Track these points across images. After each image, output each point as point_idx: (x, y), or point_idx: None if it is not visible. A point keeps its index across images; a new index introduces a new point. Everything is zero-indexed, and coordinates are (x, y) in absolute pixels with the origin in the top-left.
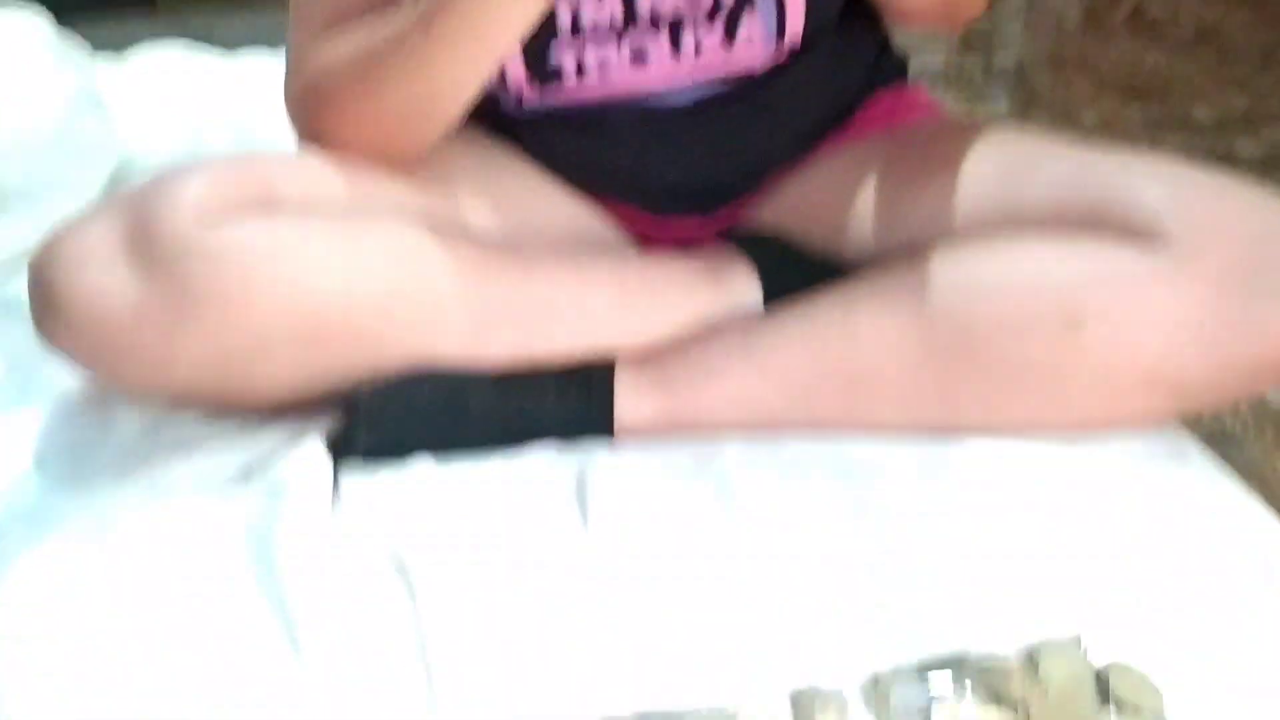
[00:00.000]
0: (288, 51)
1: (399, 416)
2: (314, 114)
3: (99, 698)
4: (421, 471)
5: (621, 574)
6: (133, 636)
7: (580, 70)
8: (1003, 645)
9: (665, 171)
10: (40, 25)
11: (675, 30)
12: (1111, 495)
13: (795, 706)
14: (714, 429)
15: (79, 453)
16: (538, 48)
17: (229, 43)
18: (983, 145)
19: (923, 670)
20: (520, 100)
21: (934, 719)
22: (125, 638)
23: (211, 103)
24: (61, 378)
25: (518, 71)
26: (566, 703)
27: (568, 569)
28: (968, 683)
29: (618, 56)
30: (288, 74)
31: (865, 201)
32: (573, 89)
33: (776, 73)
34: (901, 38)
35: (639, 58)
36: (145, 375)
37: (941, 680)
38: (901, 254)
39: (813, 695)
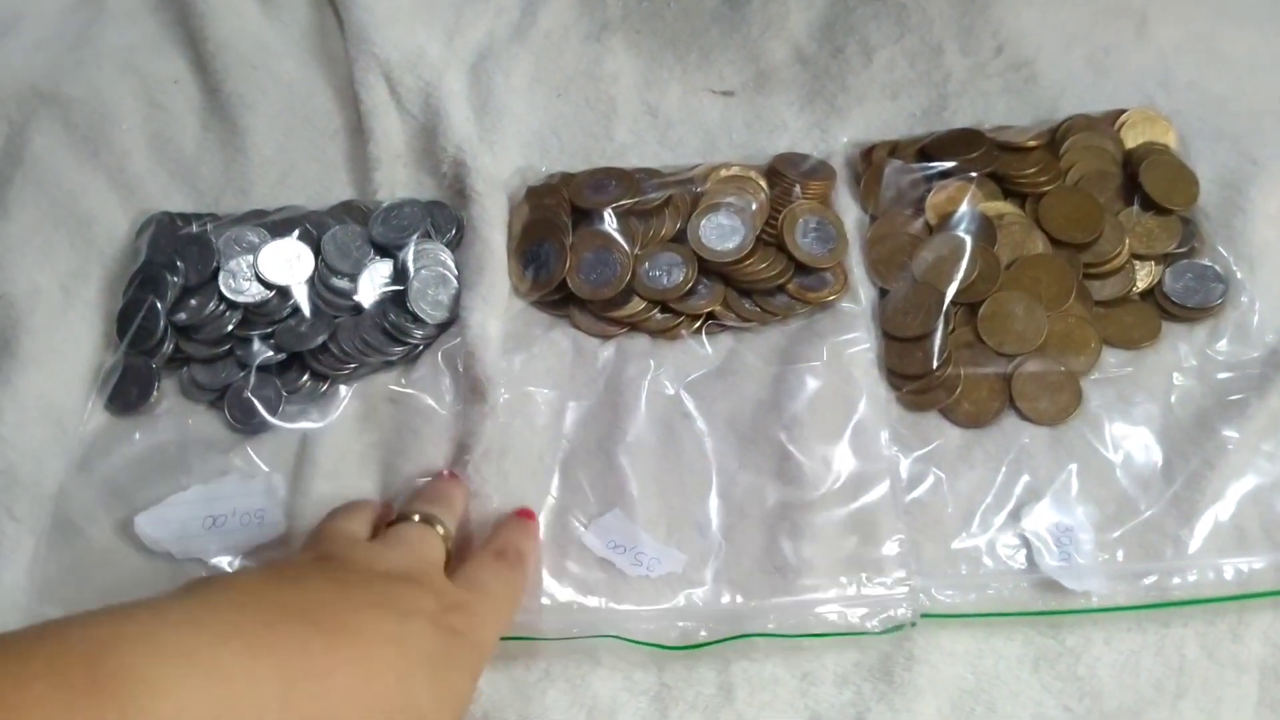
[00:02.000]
0: None
1: None
2: None
3: None
4: None
5: None
6: None
7: None
8: (1025, 121)
9: None
10: None
11: None
12: None
13: (772, 173)
14: None
15: None
16: None
17: None
18: None
19: (924, 147)
20: None
21: (929, 203)
22: None
23: None
24: None
25: None
26: None
27: None
28: (973, 171)
29: None
30: None
31: None
32: None
33: None
34: None
35: None
36: None
37: (942, 162)
38: None
39: (795, 160)
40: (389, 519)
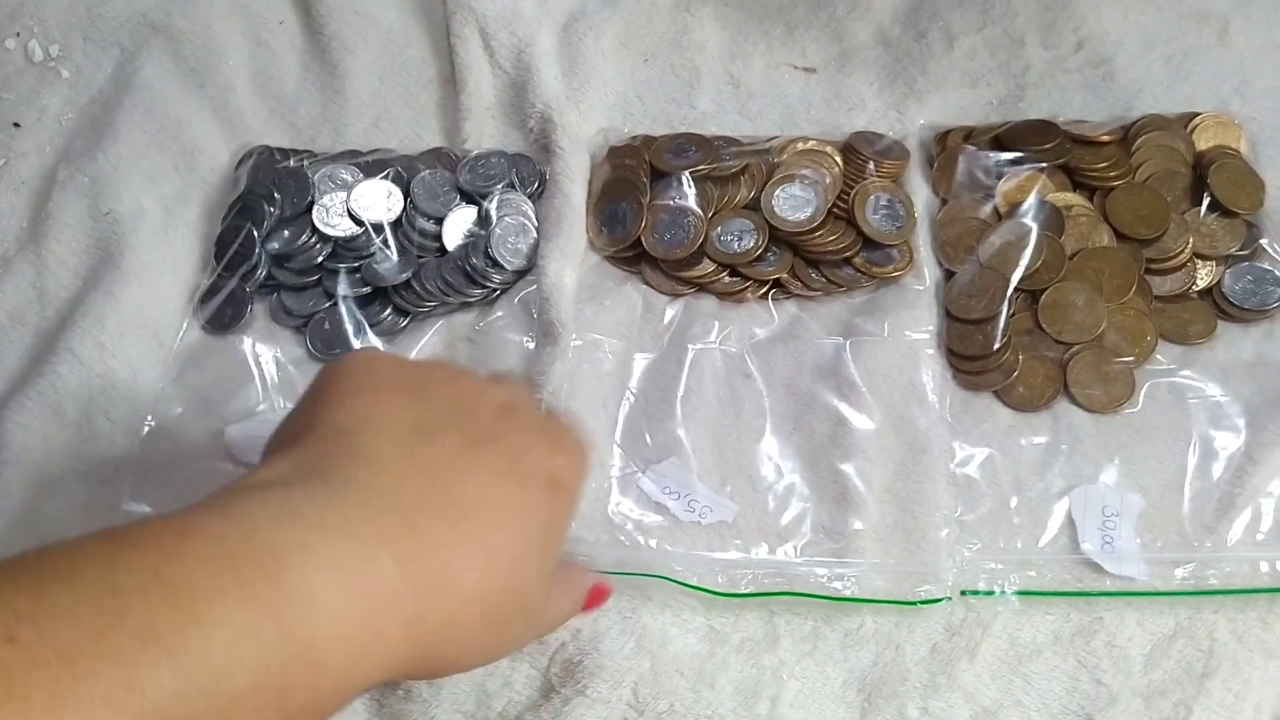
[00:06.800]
0: None
1: None
2: None
3: None
4: None
5: None
6: None
7: None
8: (1099, 117)
9: None
10: None
11: None
12: None
13: (848, 150)
14: None
15: None
16: None
17: None
18: None
19: (998, 135)
20: None
21: (1000, 190)
22: None
23: None
24: None
25: None
26: None
27: None
28: (1045, 162)
29: None
30: None
31: None
32: None
33: None
34: None
35: None
36: None
37: (1015, 151)
38: None
39: (871, 139)
40: None
